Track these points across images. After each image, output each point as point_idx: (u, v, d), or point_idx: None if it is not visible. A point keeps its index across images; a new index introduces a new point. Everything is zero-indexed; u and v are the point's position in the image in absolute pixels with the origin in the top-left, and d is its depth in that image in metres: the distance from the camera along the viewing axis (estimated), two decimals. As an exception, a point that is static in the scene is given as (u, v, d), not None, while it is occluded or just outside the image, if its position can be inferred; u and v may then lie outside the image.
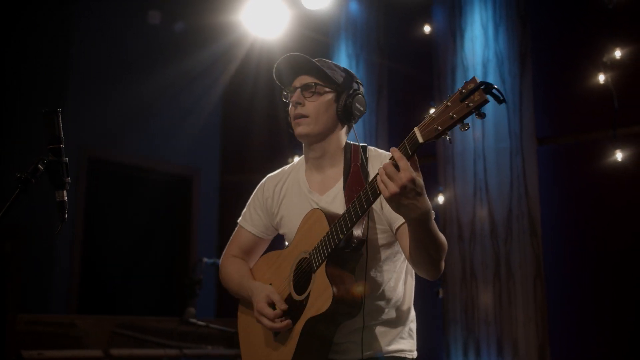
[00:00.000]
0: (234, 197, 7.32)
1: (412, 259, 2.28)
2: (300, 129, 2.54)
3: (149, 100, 6.76)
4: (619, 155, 5.26)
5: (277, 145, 7.21)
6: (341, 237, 2.27)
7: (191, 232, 7.15)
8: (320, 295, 2.30)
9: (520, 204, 5.63)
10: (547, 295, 5.46)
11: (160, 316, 6.05)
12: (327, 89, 2.54)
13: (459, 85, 6.01)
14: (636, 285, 5.27)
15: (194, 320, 4.45)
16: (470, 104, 1.87)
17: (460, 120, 1.91)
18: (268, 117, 7.28)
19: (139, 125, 6.85)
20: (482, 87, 1.86)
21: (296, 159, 6.84)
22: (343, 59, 6.89)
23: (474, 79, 1.90)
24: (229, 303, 6.86)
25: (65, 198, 2.20)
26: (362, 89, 2.61)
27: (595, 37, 5.56)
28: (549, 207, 5.61)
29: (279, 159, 7.11)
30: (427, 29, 6.47)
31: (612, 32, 5.43)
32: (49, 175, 2.18)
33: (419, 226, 2.10)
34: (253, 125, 7.35)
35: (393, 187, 1.98)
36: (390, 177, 1.99)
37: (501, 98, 1.87)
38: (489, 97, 1.87)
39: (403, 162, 1.98)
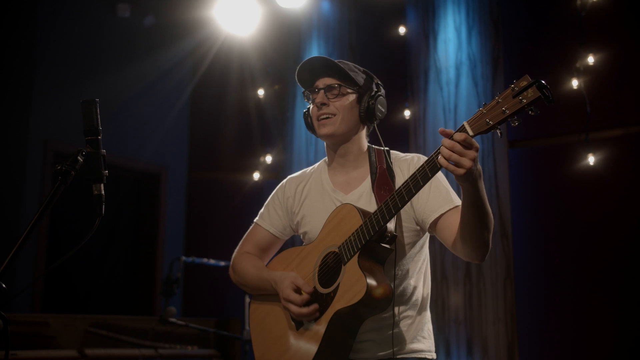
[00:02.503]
0: (202, 194, 7.25)
1: (464, 236, 2.27)
2: (325, 130, 2.56)
3: (116, 95, 6.61)
4: (590, 159, 5.37)
5: (248, 143, 7.16)
6: (377, 229, 2.29)
7: (158, 229, 7.03)
8: (352, 287, 2.30)
9: (491, 205, 5.64)
10: (516, 295, 5.54)
11: (126, 314, 5.94)
12: (349, 90, 2.56)
13: (432, 87, 6.14)
14: (604, 286, 5.38)
15: (174, 320, 4.37)
16: (524, 100, 1.92)
17: (512, 115, 1.96)
18: (238, 114, 7.22)
19: (105, 121, 6.62)
20: (536, 84, 1.91)
21: (268, 158, 6.85)
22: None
23: (526, 76, 1.94)
24: (195, 303, 6.81)
25: (103, 192, 2.10)
26: (382, 90, 2.64)
27: (568, 43, 5.66)
28: (520, 209, 5.70)
29: (249, 157, 7.07)
30: (401, 30, 6.50)
31: (585, 39, 5.54)
32: (86, 167, 2.09)
33: (479, 187, 2.13)
34: (222, 122, 7.28)
35: (467, 163, 2.01)
36: (462, 154, 2.01)
37: (550, 98, 1.92)
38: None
39: (469, 138, 2.02)
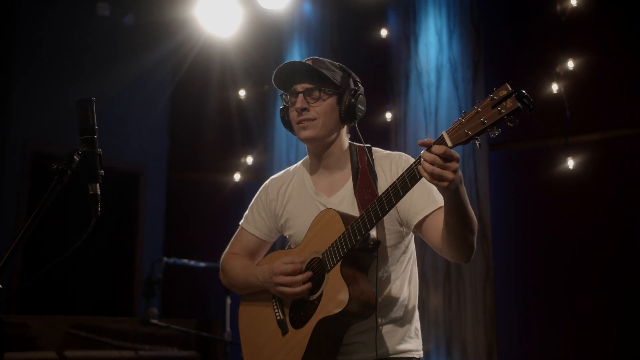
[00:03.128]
0: (182, 195, 7.21)
1: (449, 239, 2.26)
2: (306, 133, 2.52)
3: (96, 94, 6.46)
4: (570, 163, 5.42)
5: (229, 144, 7.13)
6: (359, 237, 2.27)
7: (137, 230, 6.98)
8: (335, 296, 2.29)
9: (471, 207, 5.73)
10: (495, 297, 5.58)
11: (105, 315, 5.90)
12: (329, 93, 2.51)
13: (413, 89, 6.17)
14: (583, 288, 5.45)
15: (155, 321, 4.35)
16: (503, 111, 1.88)
17: (492, 126, 1.92)
18: (219, 115, 7.19)
19: (85, 120, 6.63)
20: (514, 94, 1.86)
21: (249, 159, 6.81)
22: (296, 59, 6.85)
23: (505, 86, 1.89)
24: (175, 304, 6.77)
25: (99, 191, 2.08)
26: (361, 87, 2.60)
27: (548, 48, 5.73)
28: (500, 211, 5.74)
29: (230, 158, 7.04)
30: (383, 32, 6.51)
31: (565, 44, 5.60)
32: (82, 167, 2.06)
33: (460, 192, 2.11)
34: (203, 123, 7.24)
35: (450, 174, 1.99)
36: (445, 168, 1.98)
37: (531, 107, 1.87)
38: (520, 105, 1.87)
39: (449, 150, 1.99)
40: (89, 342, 4.70)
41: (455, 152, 2.00)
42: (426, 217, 2.39)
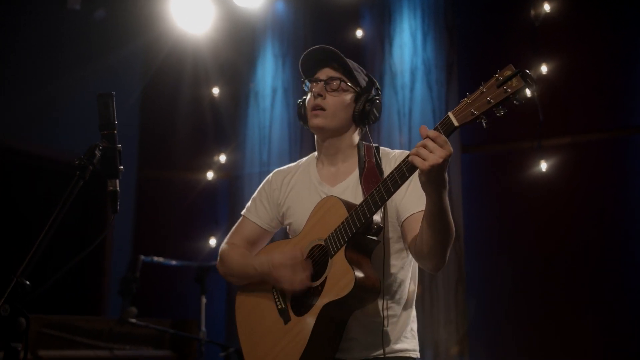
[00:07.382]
0: (153, 193, 7.11)
1: (424, 245, 2.28)
2: (316, 121, 2.57)
3: (65, 90, 6.43)
4: (543, 166, 5.51)
5: (201, 141, 7.05)
6: (364, 221, 2.30)
7: (105, 228, 6.85)
8: (340, 280, 2.30)
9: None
10: (467, 298, 5.64)
11: (73, 314, 5.78)
12: (349, 88, 2.57)
13: (387, 90, 6.19)
14: (554, 290, 5.53)
15: (134, 321, 4.29)
16: (509, 90, 1.98)
17: (497, 105, 2.00)
18: (192, 112, 7.10)
19: (51, 115, 6.49)
20: (520, 73, 1.96)
21: (222, 157, 6.75)
22: (269, 59, 6.84)
23: (510, 66, 2.00)
24: (145, 303, 6.68)
25: (118, 188, 2.07)
26: (380, 95, 2.67)
27: (522, 52, 5.81)
28: (472, 212, 5.80)
29: (202, 156, 6.95)
30: (358, 33, 6.52)
31: (538, 48, 5.69)
32: (102, 162, 2.04)
33: (442, 199, 2.15)
34: (175, 120, 7.13)
35: (435, 159, 2.03)
36: (432, 150, 2.04)
37: (533, 86, 2.00)
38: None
39: (442, 138, 2.05)
40: (63, 341, 4.61)
41: (449, 145, 2.05)
42: (412, 215, 2.42)
